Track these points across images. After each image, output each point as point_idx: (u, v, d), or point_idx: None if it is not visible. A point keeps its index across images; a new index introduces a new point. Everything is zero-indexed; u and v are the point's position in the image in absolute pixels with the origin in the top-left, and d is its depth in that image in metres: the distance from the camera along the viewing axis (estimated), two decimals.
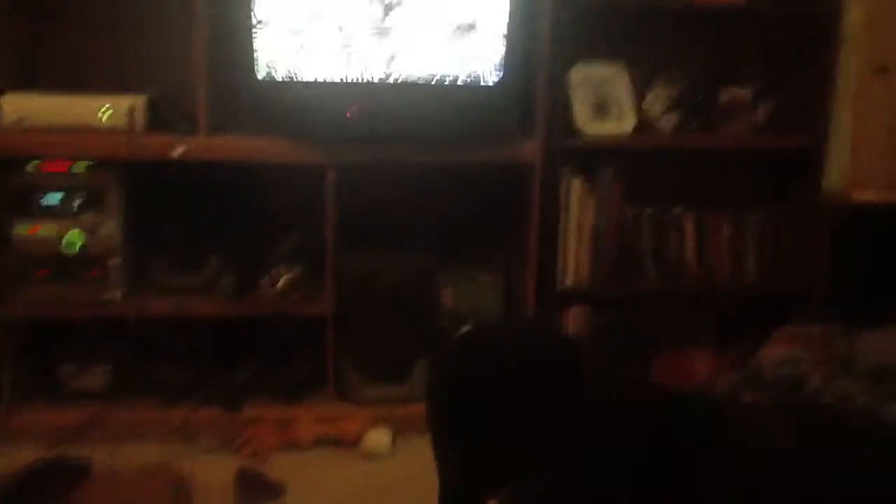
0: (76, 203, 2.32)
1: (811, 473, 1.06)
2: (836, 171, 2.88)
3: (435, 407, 1.50)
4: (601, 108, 2.71)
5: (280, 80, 2.30)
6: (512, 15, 2.32)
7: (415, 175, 2.58)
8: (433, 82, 2.34)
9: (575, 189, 2.63)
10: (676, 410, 1.20)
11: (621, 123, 2.70)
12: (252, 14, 2.24)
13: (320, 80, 2.31)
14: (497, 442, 1.36)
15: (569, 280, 2.67)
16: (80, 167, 2.32)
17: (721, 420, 1.17)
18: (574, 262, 2.67)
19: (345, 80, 2.31)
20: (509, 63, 2.36)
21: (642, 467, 1.16)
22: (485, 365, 1.44)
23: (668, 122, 2.79)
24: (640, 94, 2.77)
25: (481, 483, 1.45)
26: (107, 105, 2.30)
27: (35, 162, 2.30)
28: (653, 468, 1.15)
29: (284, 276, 2.43)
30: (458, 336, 1.53)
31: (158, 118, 2.38)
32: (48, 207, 2.31)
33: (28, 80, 2.48)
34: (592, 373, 1.32)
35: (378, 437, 2.28)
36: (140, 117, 2.31)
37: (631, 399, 1.28)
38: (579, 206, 2.65)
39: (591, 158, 2.67)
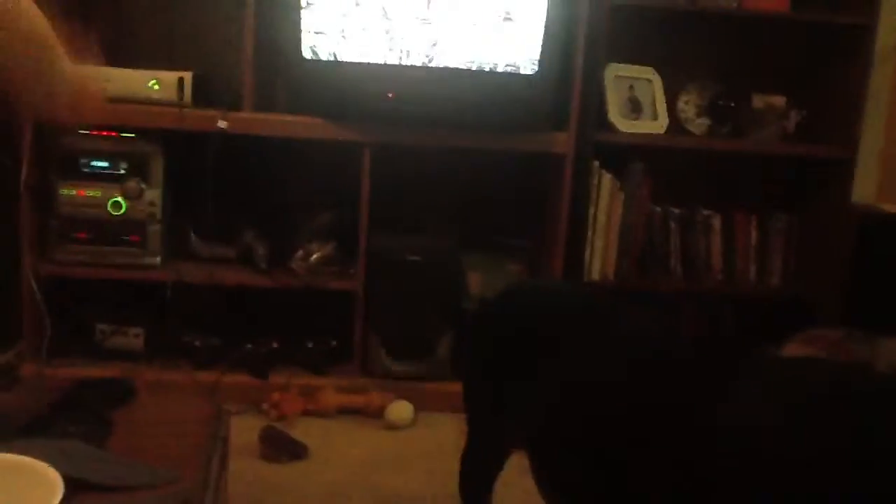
0: (121, 169, 2.41)
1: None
2: (864, 182, 2.91)
3: (475, 350, 1.53)
4: (634, 108, 2.77)
5: (324, 60, 2.37)
6: (550, 10, 2.38)
7: (449, 159, 2.65)
8: (472, 70, 2.40)
9: (605, 183, 2.68)
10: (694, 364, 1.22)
11: (654, 123, 2.75)
12: None
13: (363, 62, 2.38)
14: (524, 391, 1.38)
15: (594, 274, 2.71)
16: (127, 135, 2.40)
17: (732, 376, 1.17)
18: (601, 256, 2.71)
19: (386, 64, 2.38)
20: (546, 56, 2.41)
21: (647, 420, 1.17)
22: (522, 315, 1.46)
23: (699, 126, 2.85)
24: (673, 97, 2.83)
25: (507, 435, 1.48)
26: (156, 79, 2.39)
27: (85, 128, 2.39)
28: (659, 421, 1.15)
29: (317, 252, 2.50)
30: (500, 292, 1.55)
31: (205, 94, 2.46)
32: (95, 172, 2.40)
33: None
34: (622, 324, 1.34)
35: (400, 409, 2.33)
36: (188, 92, 2.40)
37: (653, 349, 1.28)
38: (609, 201, 2.70)
39: (622, 155, 2.72)
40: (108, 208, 2.40)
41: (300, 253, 2.51)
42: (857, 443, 0.96)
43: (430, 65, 2.38)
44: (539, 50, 2.40)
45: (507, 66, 2.41)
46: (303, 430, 2.23)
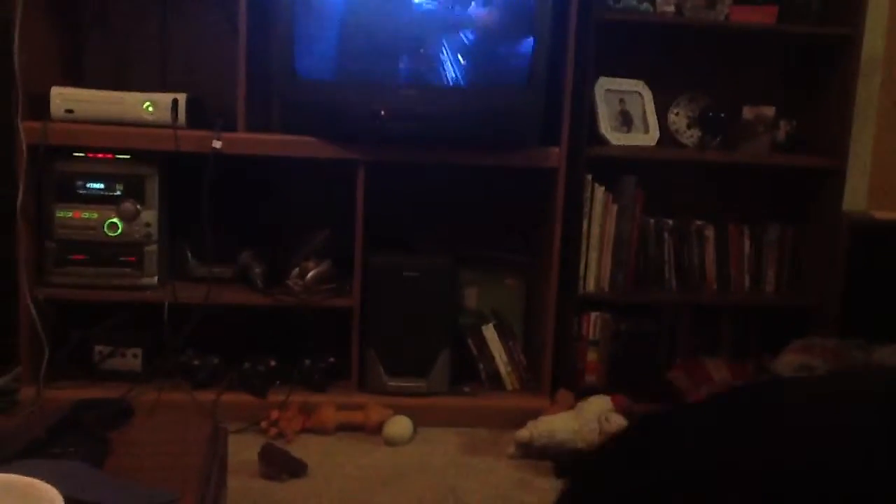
0: (117, 191, 2.42)
1: None
2: (855, 191, 2.94)
3: None
4: (625, 121, 2.79)
5: (316, 79, 2.39)
6: (538, 25, 2.40)
7: (444, 175, 2.66)
8: (463, 86, 2.42)
9: (598, 196, 2.70)
10: None
11: (645, 136, 2.78)
12: (291, 17, 2.34)
13: (355, 80, 2.40)
14: None
15: (590, 286, 2.73)
16: (122, 157, 2.42)
17: None
18: (595, 268, 2.73)
19: (378, 82, 2.41)
20: (536, 71, 2.43)
21: None
22: None
23: (690, 138, 2.87)
24: (664, 110, 2.85)
25: None
26: (150, 101, 2.41)
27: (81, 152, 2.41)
28: None
29: (313, 270, 2.51)
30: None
31: (199, 115, 2.48)
32: (90, 194, 2.42)
33: (77, 77, 2.61)
34: None
35: (399, 425, 2.33)
36: (182, 113, 2.42)
37: None
38: (602, 214, 2.71)
39: (614, 168, 2.74)
40: (105, 230, 2.42)
41: (296, 271, 2.52)
42: None
43: (421, 82, 2.40)
44: (529, 65, 2.42)
45: (497, 81, 2.43)
46: (302, 448, 2.23)
